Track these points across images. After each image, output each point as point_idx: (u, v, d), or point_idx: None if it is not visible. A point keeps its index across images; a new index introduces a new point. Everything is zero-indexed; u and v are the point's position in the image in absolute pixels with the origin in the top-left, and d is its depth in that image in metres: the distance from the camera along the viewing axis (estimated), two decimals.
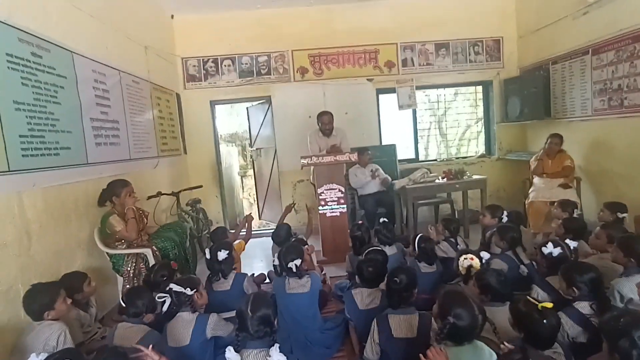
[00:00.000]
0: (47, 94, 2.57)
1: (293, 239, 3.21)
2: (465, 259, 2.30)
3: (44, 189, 2.50)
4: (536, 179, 4.24)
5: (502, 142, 5.74)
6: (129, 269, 2.87)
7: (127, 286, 2.77)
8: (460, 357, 1.52)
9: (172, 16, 5.27)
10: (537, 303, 1.57)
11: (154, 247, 2.95)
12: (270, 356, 1.51)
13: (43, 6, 2.65)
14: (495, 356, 1.55)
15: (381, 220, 3.30)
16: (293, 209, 4.22)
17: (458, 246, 3.10)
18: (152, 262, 2.84)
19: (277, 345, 1.53)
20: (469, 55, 5.59)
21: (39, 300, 1.97)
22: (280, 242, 3.24)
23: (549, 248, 2.29)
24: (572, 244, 2.40)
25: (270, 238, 3.49)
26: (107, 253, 2.87)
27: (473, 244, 3.70)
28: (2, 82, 2.20)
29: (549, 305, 1.56)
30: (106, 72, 3.38)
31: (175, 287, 2.05)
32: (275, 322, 1.70)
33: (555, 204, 3.42)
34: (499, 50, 5.60)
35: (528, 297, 1.67)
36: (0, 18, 2.23)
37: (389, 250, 2.96)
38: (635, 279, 1.98)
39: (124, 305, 2.03)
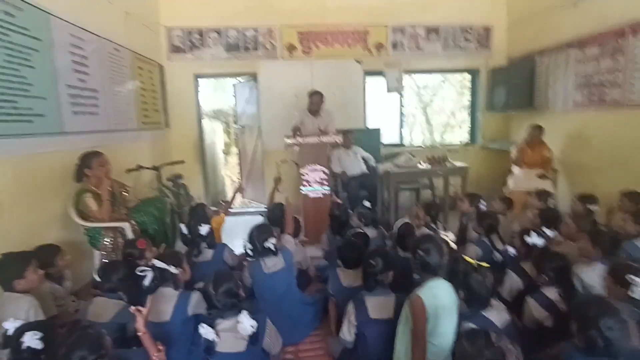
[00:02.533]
0: (19, 56, 2.44)
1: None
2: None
3: (14, 157, 2.40)
4: (516, 169, 4.33)
5: (486, 130, 5.81)
6: (105, 242, 2.82)
7: (104, 260, 2.73)
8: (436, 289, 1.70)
9: None
10: (473, 262, 1.73)
11: (132, 221, 2.90)
12: (239, 322, 1.65)
13: None
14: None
15: (365, 202, 3.33)
16: (276, 188, 4.20)
17: (438, 232, 3.16)
18: (130, 236, 2.80)
19: (244, 312, 1.65)
20: (459, 41, 5.57)
21: (8, 269, 1.92)
22: (275, 220, 3.22)
23: (533, 238, 2.35)
24: (551, 233, 2.48)
25: (250, 217, 3.48)
26: (82, 227, 2.81)
27: (451, 230, 3.78)
28: None
29: (485, 264, 1.75)
30: (85, 37, 3.23)
31: (158, 264, 2.03)
32: (241, 292, 1.82)
33: (532, 193, 3.52)
34: (488, 38, 5.60)
35: (464, 256, 1.84)
36: None
37: (370, 233, 3.00)
38: (597, 268, 2.07)
39: (98, 279, 2.00)
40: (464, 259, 1.79)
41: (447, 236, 2.45)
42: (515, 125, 5.50)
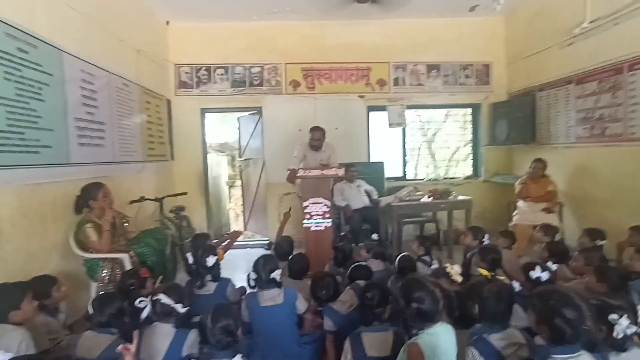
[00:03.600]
0: (30, 90, 2.52)
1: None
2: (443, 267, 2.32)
3: (19, 187, 2.43)
4: (520, 203, 4.29)
5: (488, 164, 5.82)
6: (104, 274, 2.78)
7: (101, 293, 2.68)
8: (435, 336, 1.62)
9: (167, 22, 5.28)
10: (487, 273, 1.66)
11: (131, 252, 2.88)
12: None
13: (33, 2, 2.63)
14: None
15: (374, 236, 3.30)
16: (279, 221, 4.18)
17: (432, 265, 3.08)
18: (128, 268, 2.76)
19: (239, 355, 1.54)
20: (459, 77, 5.70)
21: (4, 300, 1.88)
22: (282, 255, 3.18)
23: (537, 272, 2.29)
24: (553, 267, 2.41)
25: (252, 250, 3.44)
26: (81, 257, 2.79)
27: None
28: None
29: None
30: (95, 73, 3.35)
31: (164, 299, 1.97)
32: (239, 332, 1.69)
33: (538, 227, 3.46)
34: (488, 74, 5.74)
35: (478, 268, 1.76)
36: None
37: (376, 266, 2.94)
38: None
39: (91, 312, 1.95)
40: (478, 271, 1.71)
41: (451, 268, 2.38)
42: (518, 158, 5.50)
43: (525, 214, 4.14)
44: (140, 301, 1.99)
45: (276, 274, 2.33)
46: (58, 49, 2.84)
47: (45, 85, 2.67)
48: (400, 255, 2.80)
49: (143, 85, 4.37)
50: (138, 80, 4.24)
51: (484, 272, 1.70)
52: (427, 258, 3.13)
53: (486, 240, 3.18)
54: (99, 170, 3.30)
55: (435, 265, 3.02)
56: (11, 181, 2.36)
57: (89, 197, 2.83)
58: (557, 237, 3.35)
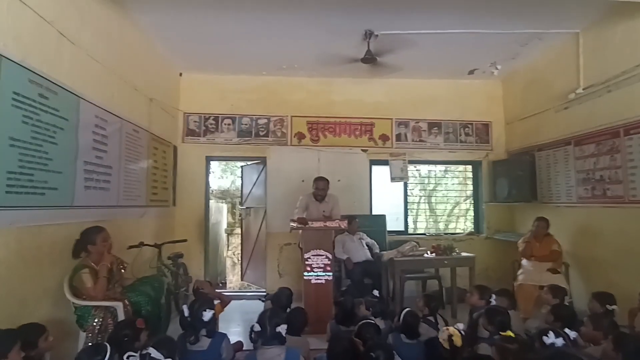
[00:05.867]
0: (45, 133, 2.58)
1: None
2: (443, 331, 2.21)
3: (20, 228, 2.39)
4: (525, 262, 4.22)
5: (490, 221, 5.81)
6: (94, 323, 2.65)
7: (90, 343, 2.54)
8: None
9: (181, 74, 5.55)
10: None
11: (126, 300, 2.77)
12: None
13: (57, 51, 2.76)
14: None
15: (374, 293, 3.20)
16: (277, 272, 4.08)
17: (438, 325, 2.96)
18: (121, 317, 2.64)
19: None
20: (460, 135, 5.88)
21: None
22: (280, 308, 3.06)
23: (551, 338, 2.19)
24: (572, 333, 2.31)
25: (249, 301, 3.32)
26: (73, 304, 2.67)
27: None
28: (2, 118, 2.22)
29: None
30: (108, 119, 3.45)
31: (154, 353, 1.87)
32: None
33: (545, 288, 3.36)
34: (488, 133, 5.92)
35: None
36: (15, 59, 2.32)
37: (379, 324, 2.82)
38: None
39: None
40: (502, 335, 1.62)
41: (456, 328, 2.28)
42: (520, 216, 5.50)
43: (531, 273, 4.05)
44: (129, 356, 1.88)
45: (282, 329, 2.23)
46: (76, 95, 2.95)
47: (60, 129, 2.74)
48: (406, 310, 2.70)
49: (152, 132, 4.48)
50: (148, 127, 4.36)
51: (509, 333, 1.62)
52: (431, 319, 3.02)
53: (493, 300, 3.08)
54: (101, 213, 3.28)
55: (442, 326, 2.90)
56: (14, 222, 2.33)
57: (88, 241, 2.77)
58: (566, 300, 3.24)
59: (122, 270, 3.03)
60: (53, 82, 2.66)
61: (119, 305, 2.70)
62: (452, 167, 6.32)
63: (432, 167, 6.33)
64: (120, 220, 3.61)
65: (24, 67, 2.39)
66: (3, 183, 2.23)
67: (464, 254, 4.76)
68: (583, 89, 4.21)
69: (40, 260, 2.59)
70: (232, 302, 3.90)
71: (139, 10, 3.74)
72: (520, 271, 4.21)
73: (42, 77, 2.55)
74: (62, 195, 2.79)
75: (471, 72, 5.51)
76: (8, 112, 2.27)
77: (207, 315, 2.43)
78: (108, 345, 2.00)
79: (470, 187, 6.14)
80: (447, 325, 3.05)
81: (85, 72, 3.11)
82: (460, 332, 2.20)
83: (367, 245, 4.78)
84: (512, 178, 5.30)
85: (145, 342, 2.27)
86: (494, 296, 3.13)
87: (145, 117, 4.30)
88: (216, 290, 3.49)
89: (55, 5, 2.73)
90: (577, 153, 4.40)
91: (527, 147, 5.29)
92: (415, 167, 6.10)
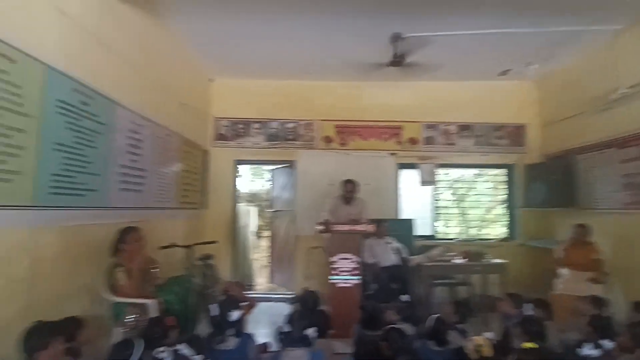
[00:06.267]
0: (85, 138, 2.73)
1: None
2: (470, 340, 2.13)
3: (62, 227, 2.54)
4: (562, 270, 4.01)
5: (525, 227, 5.57)
6: (128, 320, 2.76)
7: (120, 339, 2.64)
8: None
9: (211, 79, 5.70)
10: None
11: (157, 299, 2.87)
12: None
13: (97, 60, 2.91)
14: None
15: (404, 297, 3.15)
16: (305, 275, 4.09)
17: (467, 334, 2.86)
18: (153, 314, 2.74)
19: None
20: (492, 138, 5.69)
21: (36, 338, 1.90)
22: (307, 309, 3.08)
23: (586, 350, 2.07)
24: (608, 345, 2.17)
25: (276, 303, 3.34)
26: (109, 301, 2.80)
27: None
28: (49, 125, 2.37)
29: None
30: (142, 123, 3.60)
31: (184, 350, 1.93)
32: None
33: (584, 299, 3.19)
34: (522, 136, 5.70)
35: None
36: (60, 69, 2.47)
37: (407, 329, 2.77)
38: None
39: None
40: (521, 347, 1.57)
41: (486, 337, 2.19)
42: (557, 222, 5.24)
43: (569, 283, 3.84)
44: (161, 352, 1.95)
45: (311, 331, 2.24)
46: (113, 101, 3.10)
47: (99, 134, 2.89)
48: (435, 316, 2.64)
49: (184, 136, 4.63)
50: (180, 131, 4.51)
51: (529, 344, 1.56)
52: (461, 326, 2.92)
53: (526, 309, 2.95)
54: (135, 214, 3.41)
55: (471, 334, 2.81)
56: (57, 221, 2.48)
57: (123, 240, 2.90)
58: (607, 312, 3.05)
59: (154, 270, 3.14)
60: (93, 90, 2.81)
61: (151, 303, 2.80)
62: (483, 171, 6.12)
63: (462, 170, 6.16)
64: (152, 221, 3.75)
65: (68, 76, 2.54)
66: (48, 184, 2.37)
67: (495, 260, 4.59)
68: (627, 89, 3.97)
69: (80, 257, 2.72)
70: (260, 304, 3.95)
71: (172, 18, 3.89)
72: (557, 280, 4.00)
73: (83, 84, 2.70)
74: (100, 197, 2.93)
75: (503, 74, 5.33)
76: (53, 118, 2.42)
77: (235, 315, 2.49)
78: (139, 341, 2.07)
79: (504, 192, 5.92)
80: (477, 333, 2.95)
81: (121, 79, 3.26)
82: (490, 342, 2.12)
83: (396, 250, 4.71)
84: (548, 182, 5.07)
85: (174, 340, 2.34)
86: (528, 305, 3.01)
87: (177, 121, 4.45)
88: (243, 292, 3.55)
89: (95, 16, 2.89)
90: (621, 156, 4.14)
91: (565, 150, 5.05)
92: (445, 171, 5.96)
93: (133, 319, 2.74)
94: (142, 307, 2.80)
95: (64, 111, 2.50)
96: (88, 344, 2.43)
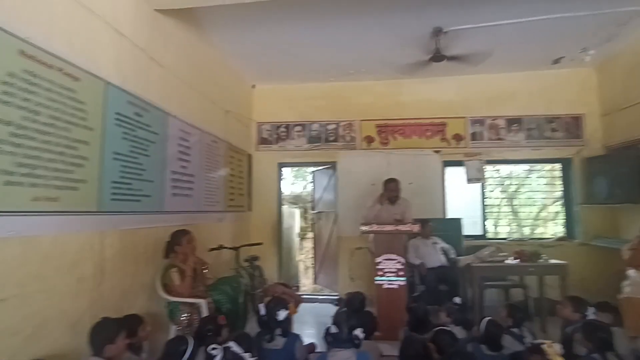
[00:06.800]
0: (140, 147, 2.93)
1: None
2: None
3: (121, 231, 2.73)
4: (632, 272, 3.67)
5: (586, 225, 5.17)
6: (182, 318, 2.91)
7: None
8: None
9: (253, 86, 5.87)
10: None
11: (209, 298, 3.00)
12: None
13: (148, 74, 3.12)
14: None
15: (456, 300, 3.05)
16: (349, 276, 4.08)
17: (524, 339, 2.70)
18: (205, 313, 2.87)
19: None
20: (545, 131, 5.35)
21: (104, 333, 2.06)
22: (353, 310, 3.09)
23: None
24: None
25: (320, 304, 3.36)
26: (165, 300, 2.96)
27: (552, 340, 3.20)
28: (108, 136, 2.57)
29: None
30: (190, 131, 3.79)
31: (234, 347, 2.01)
32: None
33: None
34: (579, 127, 5.30)
35: None
36: (117, 84, 2.67)
37: (458, 333, 2.67)
38: None
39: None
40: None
41: (550, 346, 2.06)
42: (624, 220, 4.81)
43: (638, 285, 3.51)
44: (213, 348, 2.03)
45: (359, 332, 2.23)
46: (164, 111, 3.29)
47: (152, 143, 3.08)
48: (488, 319, 2.52)
49: (229, 142, 4.81)
50: (225, 137, 4.68)
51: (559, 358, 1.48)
52: (516, 330, 2.77)
53: (590, 314, 2.74)
54: (186, 218, 3.59)
55: (528, 339, 2.65)
56: (117, 225, 2.67)
57: (176, 242, 3.06)
58: None
59: (205, 271, 3.28)
60: (146, 101, 3.01)
61: (203, 302, 2.93)
62: (538, 166, 5.76)
63: (514, 167, 5.85)
64: (201, 224, 3.92)
65: (124, 90, 2.74)
66: (109, 191, 2.57)
67: (553, 261, 4.30)
68: None
69: (137, 259, 2.92)
70: (306, 305, 4.00)
71: (214, 30, 4.05)
72: (626, 282, 3.66)
73: (137, 97, 2.90)
74: (154, 202, 3.12)
75: (556, 61, 4.99)
76: (112, 130, 2.62)
77: (282, 314, 2.53)
78: (192, 338, 2.18)
79: (560, 188, 5.54)
80: (534, 337, 2.79)
81: (170, 90, 3.46)
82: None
83: (443, 250, 4.57)
84: (613, 176, 4.66)
85: (225, 337, 2.44)
86: (592, 310, 2.79)
87: (222, 128, 4.63)
88: (288, 291, 3.61)
89: (145, 33, 3.09)
90: None
91: (632, 141, 4.61)
92: (493, 167, 5.68)
93: (186, 317, 2.89)
94: (195, 306, 2.93)
95: (121, 123, 2.70)
96: (148, 340, 2.60)
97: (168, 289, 2.95)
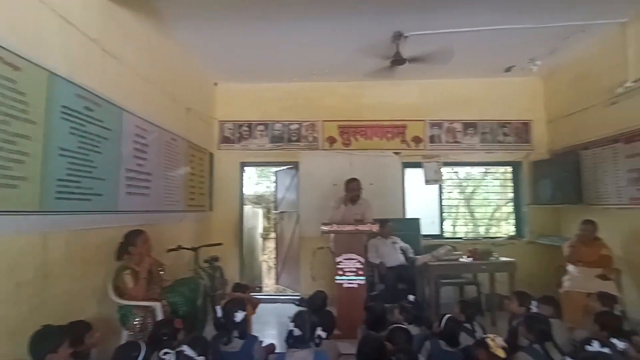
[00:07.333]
0: (91, 143, 2.77)
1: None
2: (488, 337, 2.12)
3: (69, 231, 2.58)
4: (571, 267, 3.96)
5: (533, 224, 5.52)
6: (135, 322, 2.79)
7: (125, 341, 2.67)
8: None
9: (216, 84, 5.75)
10: None
11: (164, 301, 2.90)
12: None
13: (102, 66, 2.96)
14: None
15: (410, 297, 3.13)
16: (311, 276, 4.10)
17: (475, 334, 2.84)
18: (159, 316, 2.77)
19: None
20: (498, 135, 5.65)
21: (45, 342, 1.94)
22: (314, 310, 3.09)
23: (595, 347, 2.04)
24: (620, 344, 2.14)
25: (282, 305, 3.35)
26: (116, 304, 2.83)
27: (501, 333, 3.38)
28: (53, 130, 2.41)
29: None
30: (148, 128, 3.64)
31: (188, 351, 1.95)
32: None
33: (593, 296, 3.15)
34: (528, 132, 5.64)
35: None
36: (64, 75, 2.51)
37: (412, 330, 2.75)
38: None
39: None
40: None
41: (493, 339, 2.17)
42: (565, 219, 5.19)
43: (578, 280, 3.79)
44: (165, 353, 1.97)
45: (321, 332, 2.24)
46: (119, 107, 3.15)
47: (104, 139, 2.93)
48: (448, 316, 2.62)
49: (189, 140, 4.67)
50: (185, 135, 4.55)
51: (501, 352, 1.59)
52: (468, 326, 2.90)
53: (534, 307, 2.92)
54: (142, 218, 3.45)
55: (478, 333, 2.79)
56: (64, 226, 2.52)
57: (130, 243, 2.93)
58: (617, 309, 3.01)
59: (161, 272, 3.17)
60: (98, 96, 2.86)
61: (157, 306, 2.82)
62: (493, 168, 6.07)
63: (470, 169, 6.12)
64: (160, 224, 3.79)
65: (72, 83, 2.59)
66: (54, 190, 2.41)
67: (503, 259, 4.55)
68: (633, 82, 3.92)
69: (87, 261, 2.76)
70: (268, 305, 3.97)
71: (176, 25, 3.93)
72: (566, 277, 3.95)
73: (88, 91, 2.74)
74: (107, 201, 2.97)
75: (508, 70, 5.29)
76: (58, 124, 2.46)
77: (239, 316, 2.49)
78: (144, 344, 2.10)
79: (511, 190, 5.87)
80: (484, 331, 2.93)
81: (127, 85, 3.31)
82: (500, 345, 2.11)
83: (402, 250, 4.70)
84: (555, 179, 5.02)
85: (181, 341, 2.36)
86: (535, 303, 2.98)
87: (182, 126, 4.49)
88: (240, 294, 3.57)
89: (99, 24, 2.94)
90: (628, 151, 4.09)
91: (572, 146, 4.99)
92: (452, 169, 5.92)
93: (139, 322, 2.78)
94: (149, 309, 2.83)
95: (68, 117, 2.54)
96: (96, 347, 2.47)
97: (120, 292, 2.82)
